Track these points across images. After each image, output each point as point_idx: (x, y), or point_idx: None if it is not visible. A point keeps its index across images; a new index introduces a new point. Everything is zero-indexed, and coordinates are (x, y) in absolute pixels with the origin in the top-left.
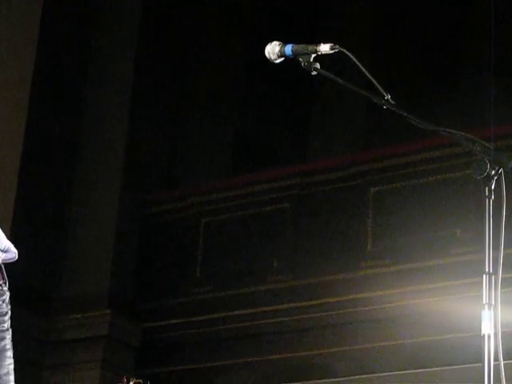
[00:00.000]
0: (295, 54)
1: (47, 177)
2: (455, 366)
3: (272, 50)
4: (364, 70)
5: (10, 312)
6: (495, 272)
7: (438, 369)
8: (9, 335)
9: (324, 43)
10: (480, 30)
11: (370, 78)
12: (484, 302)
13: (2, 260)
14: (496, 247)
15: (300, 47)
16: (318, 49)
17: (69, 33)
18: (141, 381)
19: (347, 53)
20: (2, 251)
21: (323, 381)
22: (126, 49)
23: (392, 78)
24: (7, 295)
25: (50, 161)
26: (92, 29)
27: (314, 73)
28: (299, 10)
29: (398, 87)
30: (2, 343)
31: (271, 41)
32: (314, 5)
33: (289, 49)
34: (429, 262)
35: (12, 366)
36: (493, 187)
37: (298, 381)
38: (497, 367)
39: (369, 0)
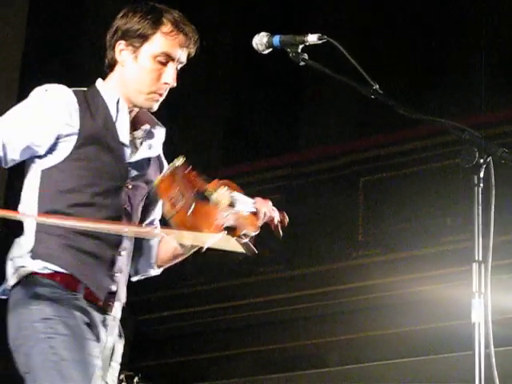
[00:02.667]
0: (283, 45)
1: None
2: (446, 354)
3: (260, 40)
4: (352, 59)
5: None
6: (485, 260)
7: (429, 357)
8: None
9: (312, 33)
10: (469, 15)
11: (358, 67)
12: (474, 290)
13: None
14: (486, 235)
15: (288, 38)
16: (305, 39)
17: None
18: (132, 373)
19: (335, 43)
20: None
21: (315, 371)
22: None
23: (380, 67)
24: None
25: None
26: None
27: (302, 63)
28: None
29: (386, 76)
30: None
31: (260, 31)
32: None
33: (276, 39)
34: (419, 251)
35: None
36: (482, 175)
37: (291, 371)
38: (488, 355)
39: None
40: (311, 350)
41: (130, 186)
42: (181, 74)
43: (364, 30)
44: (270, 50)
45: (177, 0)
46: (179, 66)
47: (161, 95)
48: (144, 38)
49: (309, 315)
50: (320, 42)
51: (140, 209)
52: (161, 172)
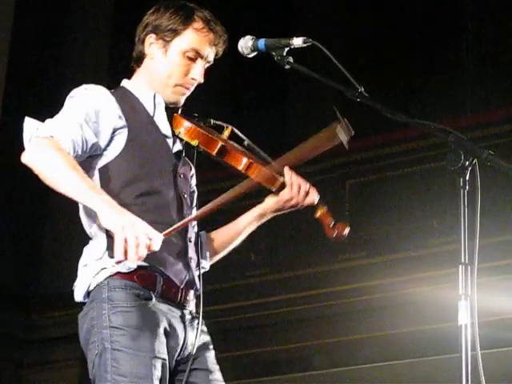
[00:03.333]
0: (268, 49)
1: (25, 169)
2: (433, 357)
3: (245, 44)
4: (337, 62)
5: None
6: (471, 262)
7: (417, 359)
8: None
9: (297, 37)
10: (454, 16)
11: (343, 70)
12: (460, 292)
13: None
14: (472, 238)
15: (273, 41)
16: (290, 42)
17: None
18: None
19: (320, 46)
20: None
21: (303, 374)
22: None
23: (366, 69)
24: None
25: None
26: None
27: (288, 67)
28: (274, 5)
29: (372, 78)
30: None
31: (245, 35)
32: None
33: (262, 43)
34: (406, 254)
35: None
36: (467, 178)
37: (278, 374)
38: (474, 357)
39: None
40: (298, 352)
41: (182, 176)
42: None
43: (349, 33)
44: (256, 53)
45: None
46: (207, 65)
47: (187, 89)
48: (175, 32)
49: (295, 318)
50: (305, 45)
51: (191, 196)
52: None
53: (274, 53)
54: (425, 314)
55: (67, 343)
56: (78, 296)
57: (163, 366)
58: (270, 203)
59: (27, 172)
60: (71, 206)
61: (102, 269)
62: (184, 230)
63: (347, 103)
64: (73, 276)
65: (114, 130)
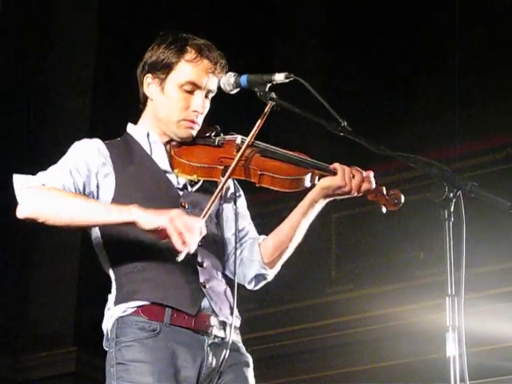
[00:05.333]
0: (250, 85)
1: (6, 206)
2: None
3: (227, 81)
4: (319, 97)
5: None
6: (458, 294)
7: None
8: None
9: (279, 72)
10: (441, 41)
11: (326, 105)
12: (448, 324)
13: None
14: (459, 269)
15: (255, 77)
16: (272, 78)
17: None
18: None
19: (302, 81)
20: None
21: None
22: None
23: (348, 100)
24: None
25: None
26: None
27: (270, 102)
28: (254, 37)
29: (354, 109)
30: None
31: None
32: (268, 34)
33: (244, 79)
34: (393, 286)
35: None
36: (452, 210)
37: None
38: None
39: (320, 22)
40: None
41: (187, 206)
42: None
43: (330, 62)
44: (238, 89)
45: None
46: (210, 95)
47: (193, 122)
48: (168, 67)
49: (282, 352)
50: (287, 80)
51: (216, 224)
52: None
53: (256, 89)
54: (414, 345)
55: (56, 383)
56: (104, 345)
57: None
58: (318, 189)
59: (11, 209)
60: (59, 246)
61: (111, 316)
62: (191, 257)
63: (331, 137)
64: (60, 317)
65: (99, 179)
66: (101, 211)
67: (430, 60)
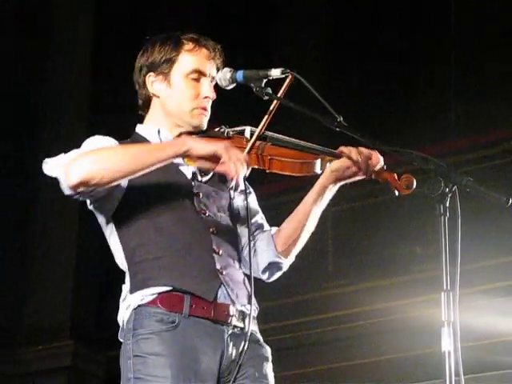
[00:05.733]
0: (246, 80)
1: (4, 202)
2: (418, 383)
3: (223, 76)
4: (315, 92)
5: None
6: (453, 289)
7: None
8: None
9: (275, 68)
10: (438, 40)
11: (322, 100)
12: (443, 318)
13: None
14: (454, 264)
15: (251, 73)
16: (268, 74)
17: None
18: None
19: (298, 76)
20: None
21: None
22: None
23: (346, 96)
24: None
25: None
26: None
27: (266, 98)
28: (254, 38)
29: (352, 105)
30: None
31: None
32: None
33: (240, 75)
34: (390, 280)
35: None
36: (447, 205)
37: None
38: (458, 382)
39: (319, 20)
40: (282, 381)
41: (201, 195)
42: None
43: (327, 58)
44: (234, 85)
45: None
46: (213, 82)
47: (205, 109)
48: (170, 61)
49: (279, 347)
50: (283, 76)
51: (228, 215)
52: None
53: (252, 84)
54: (410, 340)
55: (52, 377)
56: (119, 336)
57: None
58: (327, 174)
59: (9, 204)
60: (56, 240)
61: (128, 306)
62: (206, 241)
63: (327, 133)
64: (56, 309)
65: None
66: (154, 150)
67: (427, 57)
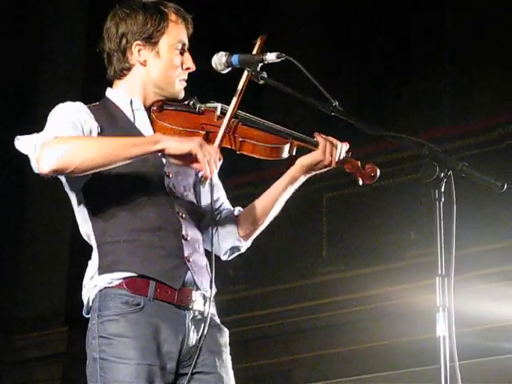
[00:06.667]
0: (242, 64)
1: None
2: (412, 369)
3: (219, 60)
4: (311, 76)
5: None
6: (448, 274)
7: (396, 372)
8: None
9: (270, 52)
10: (432, 27)
11: (317, 84)
12: (438, 304)
13: None
14: (449, 249)
15: (247, 57)
16: (264, 58)
17: None
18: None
19: (294, 61)
20: None
21: None
22: None
23: (342, 81)
24: None
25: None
26: None
27: (262, 82)
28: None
29: (347, 92)
30: None
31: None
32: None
33: (235, 59)
34: (384, 266)
35: None
36: (442, 190)
37: None
38: (453, 368)
39: (315, 6)
40: (278, 367)
41: (171, 175)
42: None
43: (321, 44)
44: (230, 69)
45: None
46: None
47: (185, 80)
48: (159, 32)
49: (274, 333)
50: (279, 60)
51: (193, 194)
52: None
53: (247, 68)
54: (404, 326)
55: (47, 364)
56: (84, 312)
57: (150, 372)
58: (299, 166)
59: (2, 195)
60: (50, 226)
61: (95, 286)
62: (176, 228)
63: (322, 117)
64: (51, 296)
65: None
66: (129, 146)
67: (422, 45)
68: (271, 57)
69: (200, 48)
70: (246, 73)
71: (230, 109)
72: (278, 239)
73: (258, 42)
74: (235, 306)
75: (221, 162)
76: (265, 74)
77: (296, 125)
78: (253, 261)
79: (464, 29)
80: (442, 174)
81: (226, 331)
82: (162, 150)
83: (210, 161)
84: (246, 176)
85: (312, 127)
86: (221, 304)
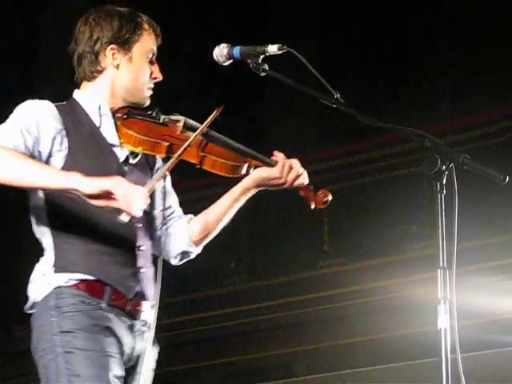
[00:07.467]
0: (243, 56)
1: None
2: (414, 361)
3: (220, 52)
4: (312, 69)
5: None
6: (450, 266)
7: (397, 364)
8: None
9: (272, 44)
10: (431, 20)
11: (319, 77)
12: (439, 296)
13: None
14: (451, 242)
15: (248, 49)
16: (266, 50)
17: None
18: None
19: (295, 53)
20: None
21: (282, 381)
22: None
23: (341, 74)
24: None
25: None
26: None
27: (263, 74)
28: (249, 12)
29: (348, 85)
30: None
31: (221, 40)
32: (264, 8)
33: (237, 51)
34: (385, 259)
35: None
36: (444, 182)
37: (259, 381)
38: (454, 360)
39: (314, 6)
40: (278, 359)
41: (131, 181)
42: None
43: (323, 36)
44: (231, 61)
45: (140, 6)
46: None
47: (152, 89)
48: (134, 39)
49: (276, 325)
50: (280, 52)
51: (149, 204)
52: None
53: (249, 60)
54: (406, 318)
55: None
56: (26, 307)
57: (116, 363)
58: (254, 178)
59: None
60: None
61: (49, 283)
62: (132, 237)
63: (323, 110)
64: None
65: (54, 144)
66: (49, 176)
67: (423, 36)
68: (273, 49)
69: (200, 48)
70: (215, 111)
71: (201, 127)
72: (279, 232)
73: (214, 113)
74: (235, 298)
75: (148, 202)
76: (266, 66)
77: (299, 121)
78: (253, 254)
79: (463, 28)
80: (444, 167)
81: (157, 348)
82: (75, 190)
83: (129, 197)
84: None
85: (314, 125)
86: (222, 296)
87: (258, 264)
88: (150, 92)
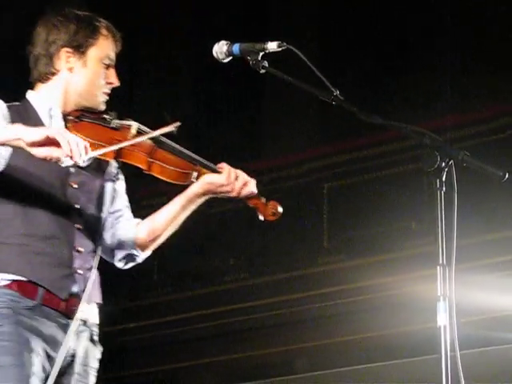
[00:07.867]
0: (243, 53)
1: None
2: (413, 358)
3: (220, 49)
4: (312, 66)
5: None
6: (449, 263)
7: (397, 361)
8: None
9: (272, 41)
10: (431, 16)
11: (318, 74)
12: (439, 293)
13: None
14: (450, 238)
15: (248, 46)
16: (265, 47)
17: None
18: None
19: (295, 50)
20: None
21: (282, 378)
22: None
23: (340, 71)
24: None
25: None
26: None
27: (263, 71)
28: (249, 10)
29: (348, 85)
30: None
31: (220, 40)
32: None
33: (236, 48)
34: (385, 256)
35: None
36: (444, 179)
37: (260, 379)
38: (453, 358)
39: (314, 5)
40: (279, 357)
41: (76, 186)
42: (141, 78)
43: (323, 36)
44: (230, 58)
45: (140, 7)
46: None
47: (108, 95)
48: (89, 43)
49: (276, 322)
50: (280, 49)
51: (96, 206)
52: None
53: (248, 57)
54: (405, 315)
55: None
56: None
57: (39, 361)
58: (202, 183)
59: None
60: None
61: None
62: (70, 239)
63: (323, 107)
64: None
65: None
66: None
67: (423, 36)
68: (272, 46)
69: (199, 47)
70: (172, 127)
71: (157, 132)
72: (278, 229)
73: (170, 126)
74: (236, 295)
75: (89, 154)
76: (266, 63)
77: (299, 118)
78: (253, 251)
79: (463, 28)
80: (443, 164)
81: (100, 349)
82: (19, 139)
83: (74, 146)
84: (247, 165)
85: (314, 122)
86: (222, 294)
87: (257, 261)
88: (106, 97)
